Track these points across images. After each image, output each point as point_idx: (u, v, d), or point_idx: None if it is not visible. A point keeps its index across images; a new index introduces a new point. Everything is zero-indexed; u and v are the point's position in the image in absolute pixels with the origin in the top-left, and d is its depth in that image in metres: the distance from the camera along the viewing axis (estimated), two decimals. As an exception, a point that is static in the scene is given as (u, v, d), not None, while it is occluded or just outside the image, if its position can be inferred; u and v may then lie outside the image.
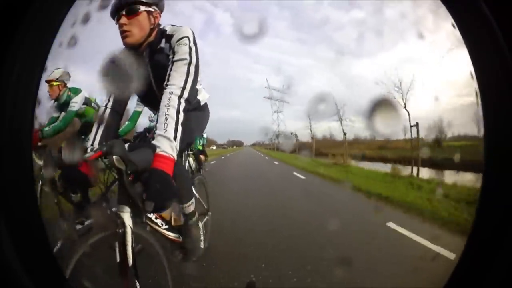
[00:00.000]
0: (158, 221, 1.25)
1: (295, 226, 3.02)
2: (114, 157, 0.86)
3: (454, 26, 0.63)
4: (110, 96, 1.26)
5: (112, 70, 1.13)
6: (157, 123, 1.01)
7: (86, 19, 0.87)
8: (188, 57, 1.13)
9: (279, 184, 6.47)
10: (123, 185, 0.89)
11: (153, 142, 0.97)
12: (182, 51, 1.13)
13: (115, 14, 1.15)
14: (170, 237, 1.30)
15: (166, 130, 0.98)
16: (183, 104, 1.06)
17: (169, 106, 1.02)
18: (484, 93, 0.60)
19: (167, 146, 0.96)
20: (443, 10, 0.64)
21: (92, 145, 1.16)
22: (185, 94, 1.08)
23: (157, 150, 0.94)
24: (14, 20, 0.55)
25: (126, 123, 2.42)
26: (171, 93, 1.05)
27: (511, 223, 0.56)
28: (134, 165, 0.88)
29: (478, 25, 0.59)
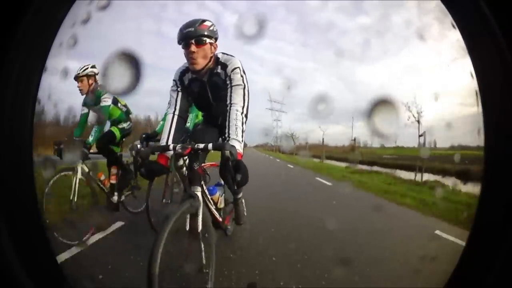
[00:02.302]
0: (211, 202, 1.68)
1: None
2: (226, 151, 1.25)
3: (454, 26, 0.63)
4: (176, 105, 1.62)
5: (180, 85, 1.64)
6: (229, 130, 1.43)
7: (86, 19, 0.87)
8: (242, 84, 1.53)
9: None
10: (225, 169, 1.27)
11: (229, 142, 1.37)
12: (237, 78, 1.54)
13: (183, 41, 1.47)
14: (215, 215, 1.71)
15: (237, 135, 1.42)
16: (244, 118, 1.49)
17: (237, 119, 1.45)
18: (484, 93, 0.60)
19: (239, 146, 1.38)
20: (448, 19, 0.63)
21: (167, 143, 1.51)
22: (245, 111, 1.51)
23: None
24: (14, 20, 0.55)
25: (161, 122, 2.97)
26: (237, 110, 1.47)
27: (511, 224, 0.56)
28: (233, 156, 1.26)
29: (478, 25, 0.59)
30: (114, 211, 2.76)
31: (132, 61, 1.10)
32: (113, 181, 2.81)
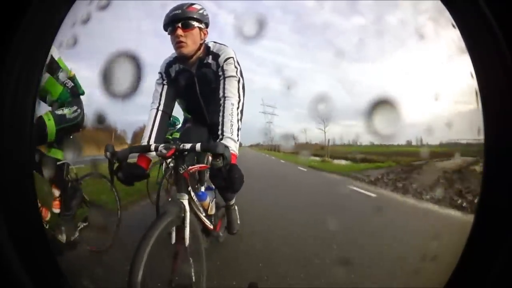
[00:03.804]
0: (201, 209, 1.47)
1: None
2: (219, 153, 1.06)
3: (454, 26, 0.63)
4: (160, 100, 1.44)
5: (166, 77, 1.44)
6: (223, 127, 1.25)
7: (86, 19, 0.87)
8: (237, 76, 1.36)
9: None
10: (217, 173, 1.09)
11: (223, 141, 1.20)
12: (231, 69, 1.36)
13: (170, 25, 1.31)
14: (206, 223, 1.52)
15: (232, 134, 1.23)
16: (240, 115, 1.31)
17: (232, 115, 1.27)
18: (484, 93, 0.60)
19: (234, 146, 1.21)
20: (444, 18, 0.64)
21: (148, 143, 1.33)
22: (241, 106, 1.33)
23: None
24: (14, 20, 0.55)
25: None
26: (232, 105, 1.29)
27: (511, 224, 0.56)
28: (227, 160, 1.06)
29: (478, 25, 0.59)
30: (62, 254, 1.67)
31: (132, 61, 1.11)
32: (56, 210, 1.73)
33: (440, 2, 0.64)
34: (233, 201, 1.86)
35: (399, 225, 3.06)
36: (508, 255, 0.56)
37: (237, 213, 1.93)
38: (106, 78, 1.13)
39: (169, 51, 1.48)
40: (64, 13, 0.64)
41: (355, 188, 5.19)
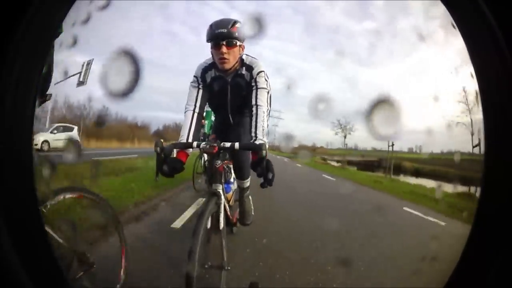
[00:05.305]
0: (226, 199, 1.67)
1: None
2: (263, 151, 1.31)
3: (454, 26, 0.63)
4: (196, 102, 1.63)
5: (202, 82, 1.64)
6: (256, 130, 1.50)
7: (86, 19, 0.87)
8: (267, 88, 1.61)
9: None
10: (259, 167, 1.32)
11: (256, 142, 1.44)
12: (262, 81, 1.61)
13: (214, 41, 1.51)
14: (228, 212, 1.72)
15: (263, 136, 1.48)
16: (268, 121, 1.57)
17: (264, 121, 1.53)
18: (484, 93, 0.60)
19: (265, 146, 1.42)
20: (444, 17, 0.64)
21: (187, 140, 1.52)
22: (269, 114, 1.60)
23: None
24: (13, 20, 0.55)
25: (206, 122, 3.04)
26: (264, 113, 1.55)
27: (511, 224, 0.56)
28: (266, 156, 1.30)
29: (478, 25, 0.59)
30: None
31: (132, 61, 1.10)
32: None
33: (439, 2, 0.64)
34: (248, 191, 2.01)
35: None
36: (508, 255, 0.56)
37: (252, 204, 2.08)
38: (106, 78, 1.13)
39: (171, 51, 1.59)
40: (64, 13, 0.64)
41: (296, 164, 13.20)
